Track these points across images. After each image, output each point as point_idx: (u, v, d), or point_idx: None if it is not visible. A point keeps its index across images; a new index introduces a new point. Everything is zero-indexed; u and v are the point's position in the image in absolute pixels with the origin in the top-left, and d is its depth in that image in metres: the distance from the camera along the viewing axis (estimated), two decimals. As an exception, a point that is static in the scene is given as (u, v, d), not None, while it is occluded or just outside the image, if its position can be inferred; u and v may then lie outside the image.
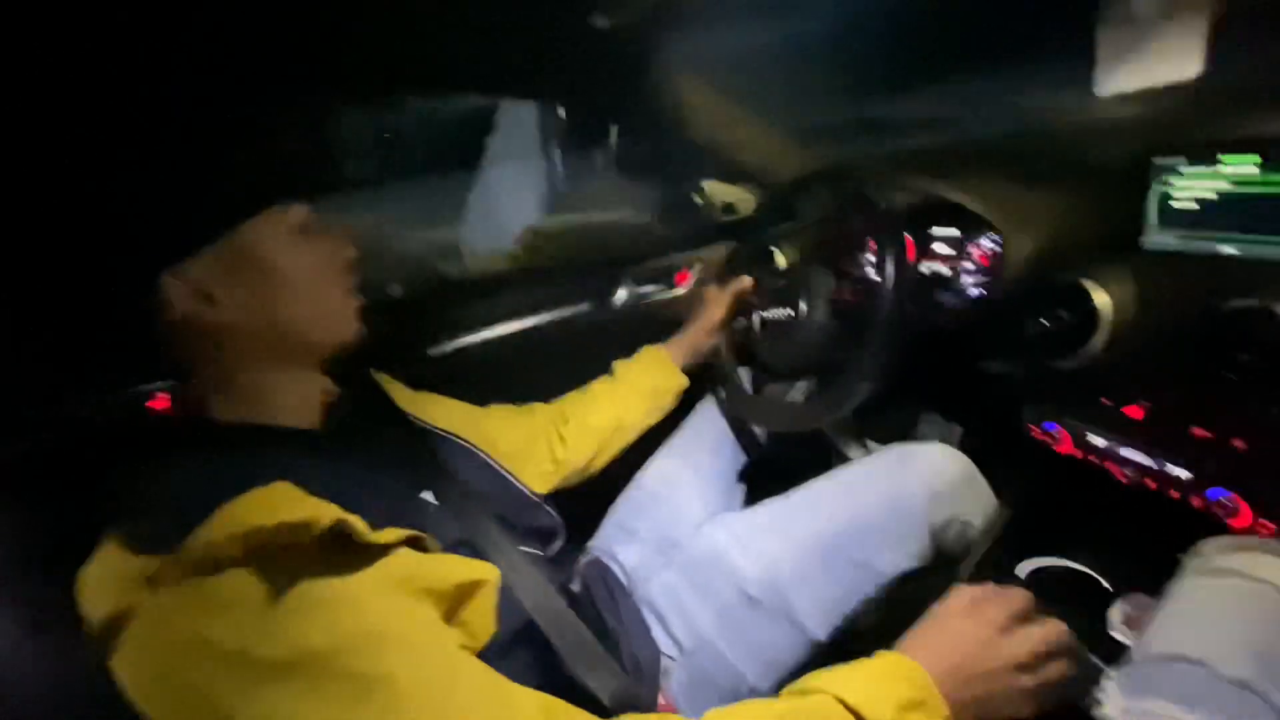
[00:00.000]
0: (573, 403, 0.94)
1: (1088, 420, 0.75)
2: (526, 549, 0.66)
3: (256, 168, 0.54)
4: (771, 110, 1.06)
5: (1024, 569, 0.80)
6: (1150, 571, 0.63)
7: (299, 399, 0.57)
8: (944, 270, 0.94)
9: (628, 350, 1.00)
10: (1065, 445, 0.77)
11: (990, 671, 0.49)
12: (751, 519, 0.81)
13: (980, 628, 0.51)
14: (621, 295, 1.18)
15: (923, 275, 0.97)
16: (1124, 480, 0.71)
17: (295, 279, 0.54)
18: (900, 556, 0.74)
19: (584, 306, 1.15)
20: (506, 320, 1.08)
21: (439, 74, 0.91)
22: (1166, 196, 0.68)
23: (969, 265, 0.93)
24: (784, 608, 0.70)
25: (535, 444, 0.87)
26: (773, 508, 0.81)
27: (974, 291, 0.91)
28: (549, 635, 0.56)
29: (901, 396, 1.11)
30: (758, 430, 0.99)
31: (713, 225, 1.30)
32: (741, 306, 1.03)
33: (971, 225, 0.91)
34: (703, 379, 1.02)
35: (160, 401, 0.80)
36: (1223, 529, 0.62)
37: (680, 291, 1.24)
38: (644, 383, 0.96)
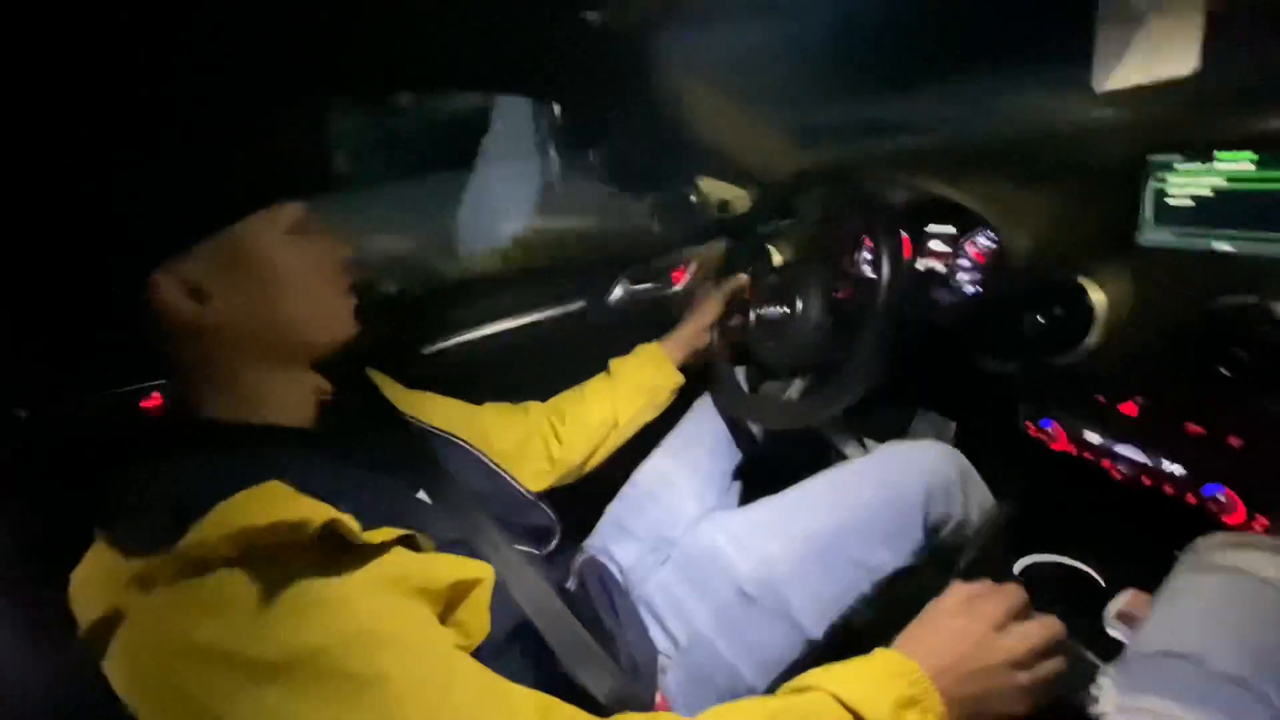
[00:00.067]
0: (569, 401, 0.94)
1: (1083, 417, 0.75)
2: (522, 548, 0.66)
3: (251, 166, 0.53)
4: (768, 108, 1.06)
5: (1020, 566, 0.80)
6: (1146, 568, 0.64)
7: (293, 398, 0.57)
8: (940, 268, 0.94)
9: (624, 348, 1.00)
10: (1061, 442, 0.77)
11: (986, 668, 0.49)
12: (748, 517, 0.81)
13: (976, 625, 0.51)
14: (618, 293, 1.18)
15: (919, 273, 0.97)
16: (1119, 477, 0.72)
17: (290, 278, 0.53)
18: (896, 554, 0.74)
19: (580, 304, 1.15)
20: (502, 318, 1.08)
21: (433, 71, 0.90)
22: (1162, 193, 0.68)
23: (965, 263, 0.93)
24: (780, 606, 0.70)
25: (531, 442, 0.87)
26: (769, 506, 0.81)
27: (970, 289, 0.91)
28: (545, 634, 0.56)
29: (897, 394, 1.11)
30: (754, 428, 0.99)
31: (709, 223, 1.30)
32: (737, 304, 1.02)
33: (967, 223, 0.92)
34: (699, 377, 1.02)
35: (153, 401, 0.79)
36: (1218, 525, 0.62)
37: (676, 289, 1.24)
38: (640, 380, 0.95)
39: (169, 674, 0.38)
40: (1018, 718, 0.51)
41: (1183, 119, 0.68)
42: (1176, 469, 0.66)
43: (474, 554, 0.55)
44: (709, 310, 1.03)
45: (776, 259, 1.19)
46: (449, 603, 0.49)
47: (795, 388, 0.90)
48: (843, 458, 1.07)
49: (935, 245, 0.97)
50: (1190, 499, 0.65)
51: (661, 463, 0.94)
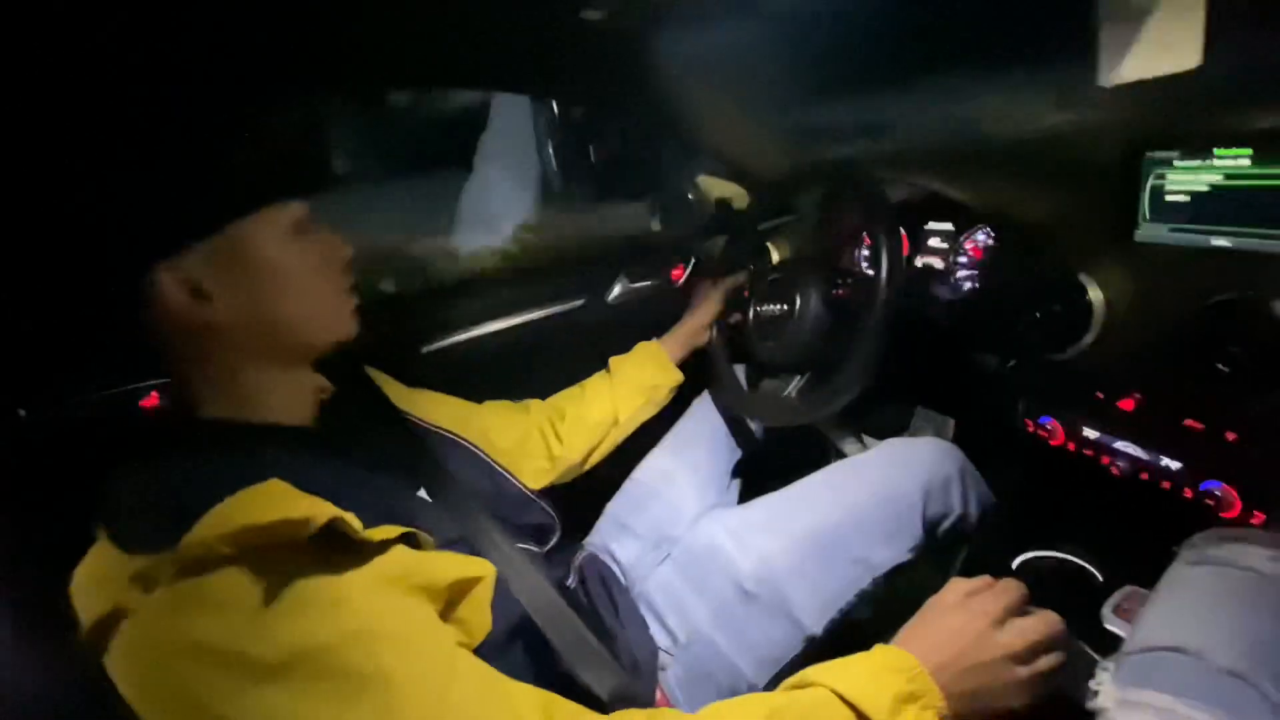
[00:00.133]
0: (568, 399, 0.94)
1: (1081, 414, 0.75)
2: (522, 546, 0.66)
3: (251, 165, 0.53)
4: (766, 105, 1.06)
5: (1018, 561, 0.81)
6: (1144, 563, 0.64)
7: (293, 397, 0.57)
8: (938, 265, 0.94)
9: (623, 346, 1.00)
10: (1059, 439, 0.77)
11: (985, 663, 0.49)
12: (747, 514, 0.81)
13: (975, 620, 0.51)
14: (617, 291, 1.18)
15: (918, 270, 0.97)
16: (1117, 473, 0.72)
17: (291, 277, 0.53)
18: (895, 550, 0.75)
19: (579, 302, 1.15)
20: (502, 317, 1.08)
21: (432, 70, 0.90)
22: (1160, 190, 0.68)
23: (963, 260, 0.93)
24: (780, 603, 0.71)
25: (531, 440, 0.87)
26: (768, 503, 0.82)
27: (968, 285, 0.91)
28: (546, 632, 0.56)
29: (896, 391, 1.12)
30: (753, 426, 0.99)
31: (707, 221, 1.30)
32: (736, 302, 1.03)
33: (966, 220, 0.92)
34: (699, 375, 1.02)
35: (151, 400, 0.79)
36: (1215, 520, 0.62)
37: (675, 287, 1.24)
38: (639, 378, 0.96)
39: (170, 672, 0.38)
40: (1017, 712, 0.51)
41: (1181, 116, 0.68)
42: (1174, 464, 0.66)
43: (475, 552, 0.55)
44: (708, 308, 1.03)
45: (775, 257, 1.19)
46: (450, 600, 0.49)
47: (794, 385, 0.90)
48: (842, 455, 1.07)
49: (934, 243, 0.97)
50: (1187, 494, 0.65)
51: (661, 460, 0.95)
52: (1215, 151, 0.63)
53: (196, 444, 0.49)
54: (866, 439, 1.12)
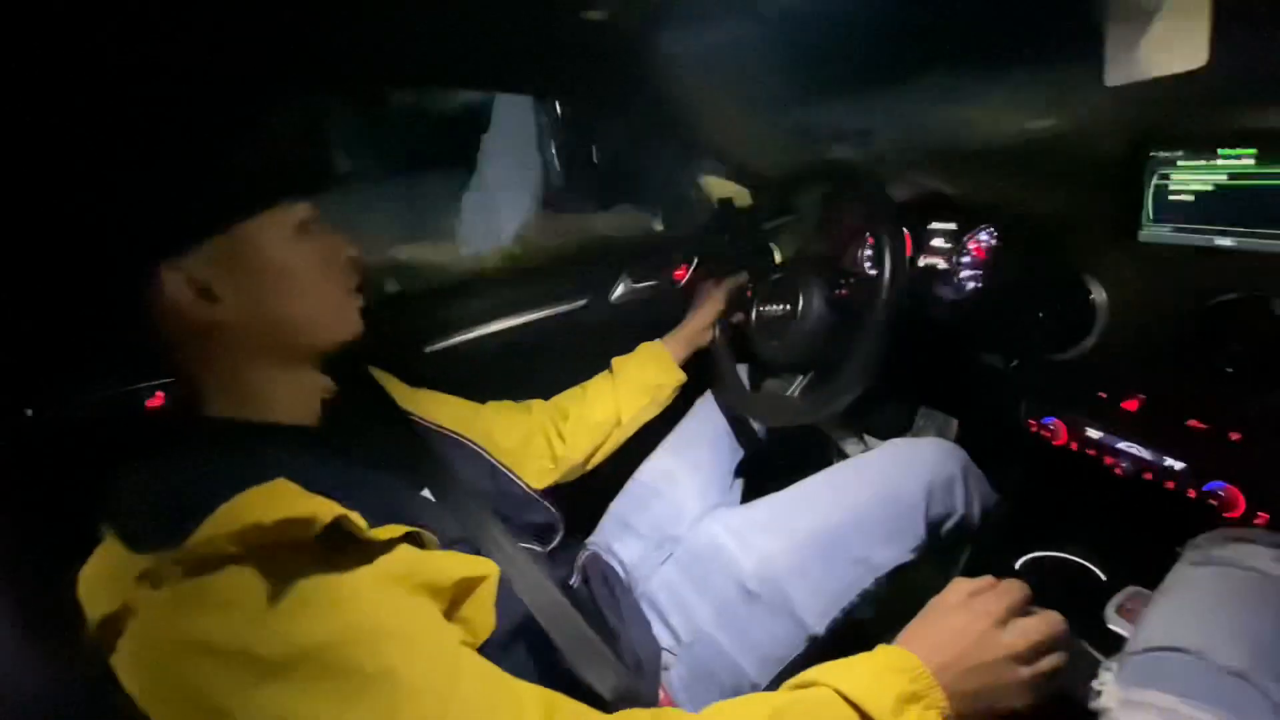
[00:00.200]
0: (571, 399, 0.94)
1: (1085, 414, 0.75)
2: (526, 545, 0.66)
3: (257, 165, 0.54)
4: (769, 105, 1.06)
5: (1021, 562, 0.81)
6: (1147, 564, 0.64)
7: (298, 397, 0.57)
8: (942, 265, 0.94)
9: (626, 346, 1.00)
10: (1062, 439, 0.77)
11: (988, 664, 0.49)
12: (750, 514, 0.81)
13: (977, 620, 0.51)
14: (620, 291, 1.18)
15: (921, 270, 0.97)
16: (1120, 473, 0.72)
17: (297, 277, 0.54)
18: (898, 551, 0.75)
19: (582, 302, 1.15)
20: (505, 317, 1.08)
21: (435, 70, 0.91)
22: (1163, 189, 0.68)
23: (967, 259, 0.93)
24: (783, 602, 0.71)
25: (534, 440, 0.87)
26: (771, 503, 0.82)
27: (971, 285, 0.91)
28: (549, 631, 0.56)
29: (899, 391, 1.12)
30: (756, 426, 0.99)
31: (710, 221, 1.30)
32: (739, 302, 1.03)
33: (969, 220, 0.92)
34: (701, 375, 1.02)
35: (156, 400, 0.79)
36: (1219, 521, 0.62)
37: (678, 287, 1.24)
38: (642, 378, 0.96)
39: (176, 670, 0.39)
40: (1020, 712, 0.51)
41: (1185, 115, 0.68)
42: (1177, 465, 0.66)
43: (478, 551, 0.55)
44: (711, 308, 1.03)
45: (778, 256, 1.19)
46: (454, 599, 0.49)
47: (797, 385, 0.90)
48: (844, 455, 1.07)
49: (937, 242, 0.97)
50: (1191, 494, 0.65)
51: (664, 460, 0.95)
52: (1219, 151, 0.63)
53: (202, 443, 0.50)
54: (869, 439, 1.12)
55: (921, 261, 0.98)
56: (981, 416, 1.03)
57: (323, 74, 0.81)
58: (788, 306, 0.90)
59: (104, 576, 0.42)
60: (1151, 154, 0.68)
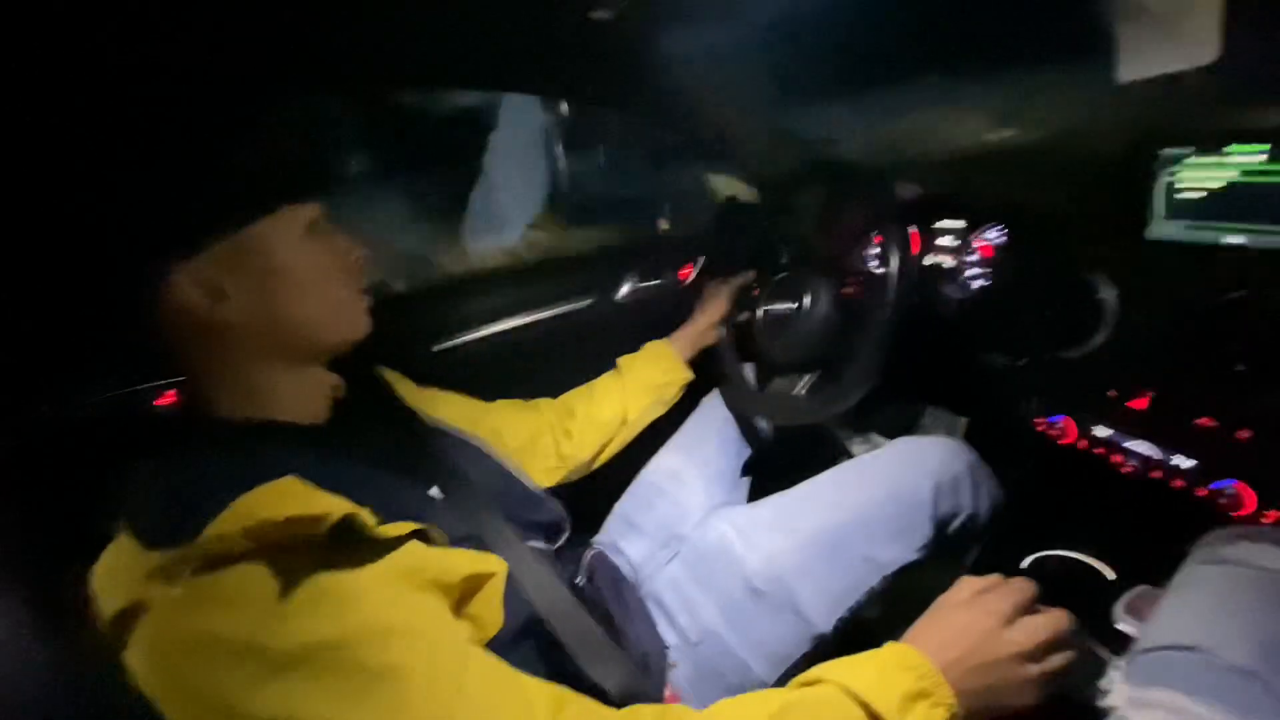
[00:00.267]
0: (578, 398, 0.94)
1: (1093, 412, 0.75)
2: (533, 543, 0.66)
3: (265, 167, 0.54)
4: (776, 103, 1.06)
5: (1029, 561, 0.80)
6: (1155, 563, 0.63)
7: (307, 396, 0.58)
8: (949, 263, 0.94)
9: (632, 345, 1.01)
10: (1070, 437, 0.77)
11: (995, 662, 0.49)
12: (756, 513, 0.81)
13: (985, 618, 0.51)
14: (625, 290, 1.18)
15: (927, 268, 0.97)
16: (1128, 471, 0.71)
17: (305, 277, 0.54)
18: (904, 549, 0.75)
19: (588, 301, 1.15)
20: (511, 316, 1.09)
21: (442, 71, 0.91)
22: (1173, 187, 0.68)
23: (973, 257, 0.93)
24: (789, 600, 0.71)
25: (541, 439, 0.88)
26: (777, 502, 0.82)
27: (978, 284, 0.91)
28: (555, 628, 0.56)
29: (906, 390, 1.11)
30: (762, 424, 0.99)
31: (716, 219, 1.30)
32: (745, 300, 1.03)
33: (976, 218, 0.91)
34: (707, 373, 1.02)
35: (166, 399, 0.80)
36: (1228, 519, 0.62)
37: (684, 286, 1.24)
38: (648, 377, 0.96)
39: (188, 665, 0.39)
40: (1027, 710, 0.51)
41: (1195, 111, 0.67)
42: (1186, 463, 0.66)
43: (486, 549, 0.56)
44: (716, 307, 1.03)
45: (783, 255, 1.19)
46: (462, 596, 0.50)
47: (803, 384, 0.90)
48: (850, 454, 1.07)
49: (944, 241, 0.96)
50: (1200, 493, 0.64)
51: (670, 459, 0.95)
52: (1230, 148, 0.63)
53: (213, 442, 0.50)
54: (875, 438, 1.12)
55: (928, 260, 0.97)
56: (988, 415, 1.02)
57: (329, 76, 0.82)
58: (794, 305, 0.90)
59: (116, 573, 0.43)
60: (1160, 151, 0.68)
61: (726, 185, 1.31)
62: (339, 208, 0.60)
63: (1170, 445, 0.67)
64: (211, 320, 0.51)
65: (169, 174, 0.50)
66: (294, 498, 0.42)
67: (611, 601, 0.76)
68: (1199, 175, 0.66)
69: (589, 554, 0.85)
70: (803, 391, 0.90)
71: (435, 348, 1.02)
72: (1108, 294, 0.72)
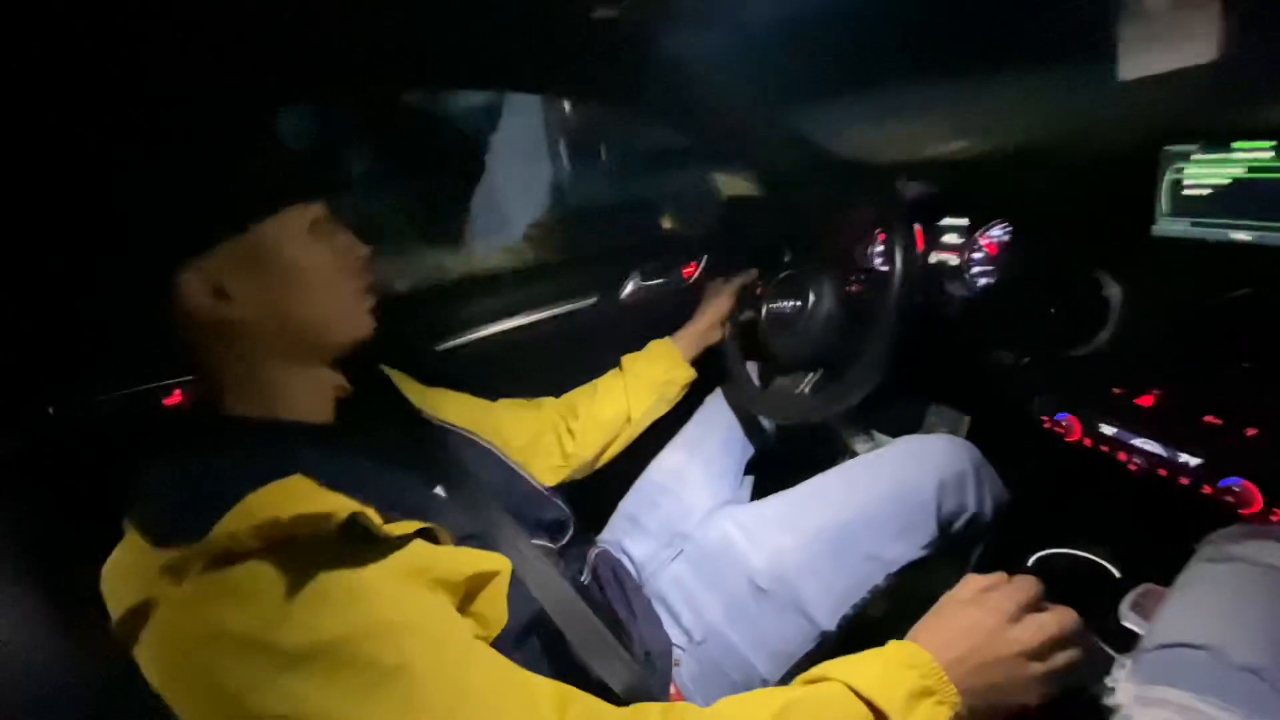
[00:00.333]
0: (582, 396, 0.95)
1: (1099, 410, 0.74)
2: (537, 542, 0.66)
3: (270, 168, 0.54)
4: (780, 101, 1.06)
5: (1034, 558, 0.80)
6: (1162, 561, 0.63)
7: (312, 395, 0.58)
8: (953, 260, 0.94)
9: (636, 344, 1.01)
10: (1075, 434, 0.77)
11: (1000, 659, 0.49)
12: (760, 511, 0.81)
13: (989, 616, 0.51)
14: (629, 289, 1.18)
15: (932, 266, 0.96)
16: (1134, 469, 0.71)
17: (310, 277, 0.54)
18: (909, 547, 0.75)
19: (592, 300, 1.15)
20: (515, 315, 1.09)
21: (444, 70, 0.91)
22: (1178, 184, 0.67)
23: (978, 255, 0.92)
24: (793, 598, 0.71)
25: (545, 438, 0.88)
26: (781, 500, 0.82)
27: (983, 281, 0.91)
28: (561, 626, 0.57)
29: (910, 388, 1.11)
30: (766, 423, 0.99)
31: (719, 218, 1.30)
32: (749, 299, 1.03)
33: (981, 215, 0.91)
34: (711, 372, 1.02)
35: (174, 397, 0.81)
36: (1235, 517, 0.62)
37: (688, 285, 1.24)
38: (652, 376, 0.96)
39: (198, 661, 0.40)
40: (1033, 708, 0.51)
41: (1199, 109, 0.67)
42: (1193, 461, 0.65)
43: (491, 548, 0.56)
44: (720, 305, 1.03)
45: (787, 253, 1.19)
46: (468, 594, 0.50)
47: (807, 382, 0.90)
48: (854, 452, 1.07)
49: (949, 238, 0.96)
50: (1207, 490, 0.64)
51: (674, 457, 0.95)
52: (1235, 144, 0.63)
53: (221, 440, 0.50)
54: (879, 436, 1.12)
55: (933, 258, 0.97)
56: (993, 413, 1.02)
57: (334, 76, 0.82)
58: (797, 304, 0.90)
59: (126, 571, 0.43)
60: (1165, 147, 0.68)
61: (730, 183, 1.31)
62: (343, 207, 0.60)
63: (1176, 443, 0.67)
64: (218, 320, 0.51)
65: (174, 175, 0.51)
66: (301, 496, 0.42)
67: (616, 600, 0.76)
68: (1204, 172, 0.65)
69: (593, 552, 0.86)
70: (806, 390, 0.90)
71: (439, 347, 1.03)
72: (1113, 291, 0.72)
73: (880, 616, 0.77)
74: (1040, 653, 0.50)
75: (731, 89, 1.02)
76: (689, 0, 0.81)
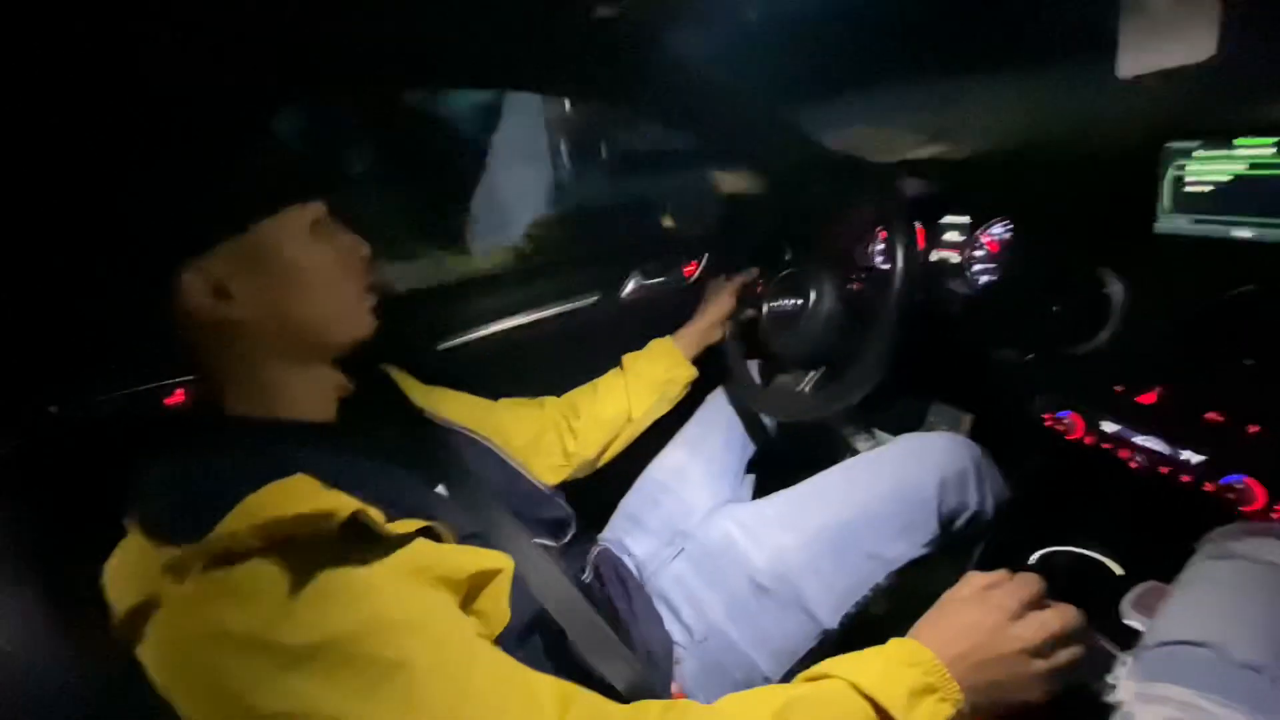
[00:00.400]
0: (583, 395, 0.95)
1: (1101, 407, 0.74)
2: (539, 540, 0.66)
3: (271, 167, 0.54)
4: (780, 99, 1.06)
5: (1036, 556, 0.80)
6: (1164, 558, 0.63)
7: (314, 394, 0.58)
8: (954, 258, 0.94)
9: (637, 343, 1.01)
10: (1077, 432, 0.77)
11: (1002, 656, 0.49)
12: (761, 509, 0.81)
13: (991, 613, 0.51)
14: (630, 288, 1.18)
15: (933, 264, 0.96)
16: (1136, 467, 0.71)
17: (311, 276, 0.55)
18: (910, 545, 0.75)
19: (593, 299, 1.15)
20: (516, 314, 1.09)
21: (445, 69, 0.91)
22: (1180, 181, 0.67)
23: (979, 253, 0.92)
24: (794, 596, 0.71)
25: (546, 437, 0.88)
26: (783, 498, 0.82)
27: (984, 279, 0.91)
28: (563, 624, 0.57)
29: (912, 386, 1.11)
30: (767, 421, 0.99)
31: (720, 216, 1.30)
32: (750, 297, 1.02)
33: (982, 213, 0.91)
34: (712, 370, 1.02)
35: (176, 397, 0.81)
36: (1237, 514, 0.61)
37: (689, 284, 1.24)
38: (653, 375, 0.96)
39: (200, 659, 0.40)
40: (1034, 705, 0.51)
41: (1201, 106, 0.67)
42: (1195, 458, 0.65)
43: (492, 546, 0.56)
44: (721, 304, 1.03)
45: (788, 252, 1.19)
46: (470, 592, 0.50)
47: (808, 381, 0.90)
48: (856, 451, 1.07)
49: (950, 236, 0.96)
50: (1209, 488, 0.64)
51: (675, 456, 0.95)
52: (1236, 141, 0.63)
53: (223, 439, 0.51)
54: (880, 434, 1.12)
55: (934, 256, 0.97)
56: (995, 411, 1.02)
57: (332, 76, 0.82)
58: (798, 302, 0.90)
59: (129, 570, 0.43)
60: (1167, 144, 0.68)
61: (731, 181, 1.31)
62: (343, 207, 0.60)
63: (1178, 440, 0.67)
64: (219, 319, 0.51)
65: (175, 175, 0.51)
66: (303, 495, 0.42)
67: (617, 598, 0.76)
68: (1206, 169, 0.65)
69: (595, 551, 0.86)
70: (807, 388, 0.90)
71: (440, 346, 1.03)
72: (1114, 289, 0.72)
73: (882, 614, 0.77)
74: (1042, 650, 0.50)
75: (732, 88, 1.02)
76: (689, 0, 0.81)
